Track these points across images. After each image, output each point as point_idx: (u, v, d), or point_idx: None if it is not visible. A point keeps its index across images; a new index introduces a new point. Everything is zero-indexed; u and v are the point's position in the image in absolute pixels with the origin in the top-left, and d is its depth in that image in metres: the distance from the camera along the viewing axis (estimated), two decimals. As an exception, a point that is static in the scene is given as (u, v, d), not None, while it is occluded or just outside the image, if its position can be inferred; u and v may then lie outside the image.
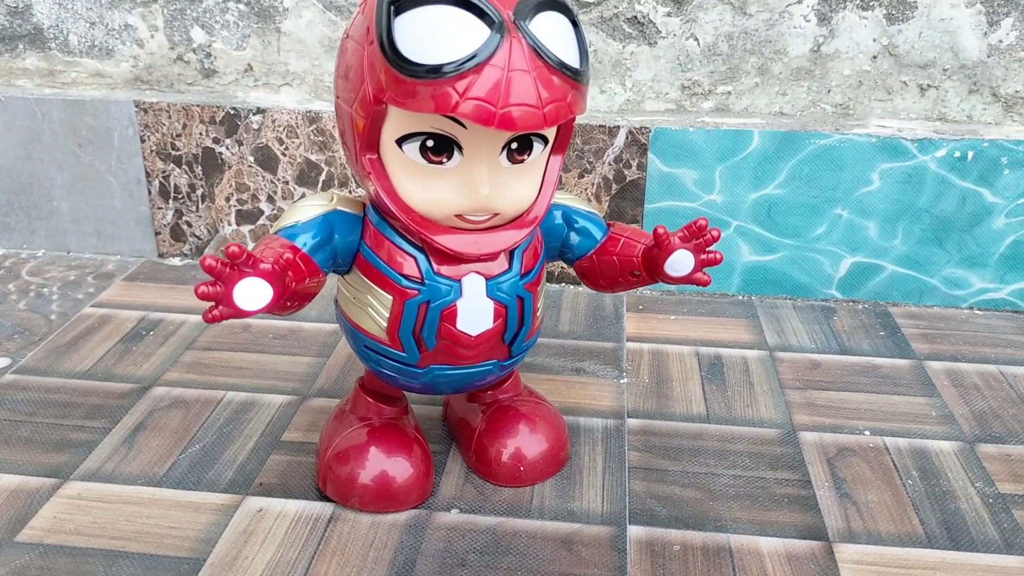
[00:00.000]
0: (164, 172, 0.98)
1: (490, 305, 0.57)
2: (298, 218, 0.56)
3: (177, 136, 0.96)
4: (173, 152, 0.97)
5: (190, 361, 0.82)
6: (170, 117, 0.95)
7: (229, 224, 0.99)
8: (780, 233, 0.92)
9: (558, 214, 0.63)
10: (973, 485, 0.66)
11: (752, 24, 0.90)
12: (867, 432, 0.73)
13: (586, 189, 0.92)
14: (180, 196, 0.99)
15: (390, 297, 0.57)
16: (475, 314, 0.57)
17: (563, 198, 0.63)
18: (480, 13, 0.47)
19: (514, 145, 0.52)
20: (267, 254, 0.50)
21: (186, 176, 0.98)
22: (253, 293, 0.48)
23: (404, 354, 0.59)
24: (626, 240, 0.61)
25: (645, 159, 0.90)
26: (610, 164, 0.91)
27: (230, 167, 0.97)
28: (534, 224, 0.56)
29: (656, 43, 0.92)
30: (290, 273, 0.51)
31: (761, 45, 0.91)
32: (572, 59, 0.50)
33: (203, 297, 0.46)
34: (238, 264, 0.47)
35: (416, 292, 0.56)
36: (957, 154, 0.87)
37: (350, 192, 0.95)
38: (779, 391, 0.78)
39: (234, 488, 0.65)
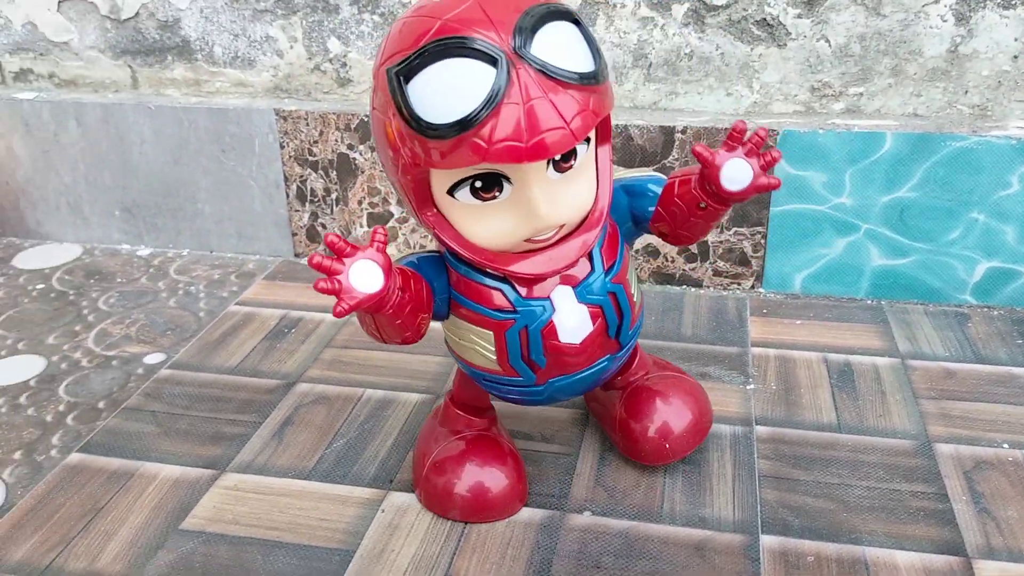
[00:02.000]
0: (301, 176, 1.03)
1: (584, 310, 0.59)
2: None
3: (314, 142, 1.01)
4: (310, 158, 1.02)
5: (329, 359, 0.86)
6: (308, 124, 1.00)
7: (361, 226, 1.03)
8: (912, 237, 0.90)
9: (618, 189, 0.62)
10: (1123, 504, 0.64)
11: (886, 24, 0.88)
12: (1006, 445, 0.71)
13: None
14: (316, 199, 1.03)
15: (490, 332, 0.59)
16: (573, 323, 0.59)
17: (620, 177, 0.63)
18: (481, 56, 0.47)
19: (557, 156, 0.52)
20: None
21: (322, 180, 1.02)
22: (365, 275, 0.49)
23: (521, 379, 0.60)
24: (679, 180, 0.59)
25: (772, 162, 0.89)
26: (736, 168, 0.91)
27: (363, 172, 1.01)
28: (600, 221, 0.57)
29: (785, 45, 0.91)
30: (397, 274, 0.52)
31: (895, 46, 0.89)
32: (583, 64, 0.50)
33: (323, 292, 0.48)
34: (342, 254, 0.49)
35: (512, 321, 0.58)
36: (1105, 156, 0.83)
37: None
38: (912, 401, 0.77)
39: (377, 483, 0.69)
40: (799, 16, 0.89)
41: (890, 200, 0.89)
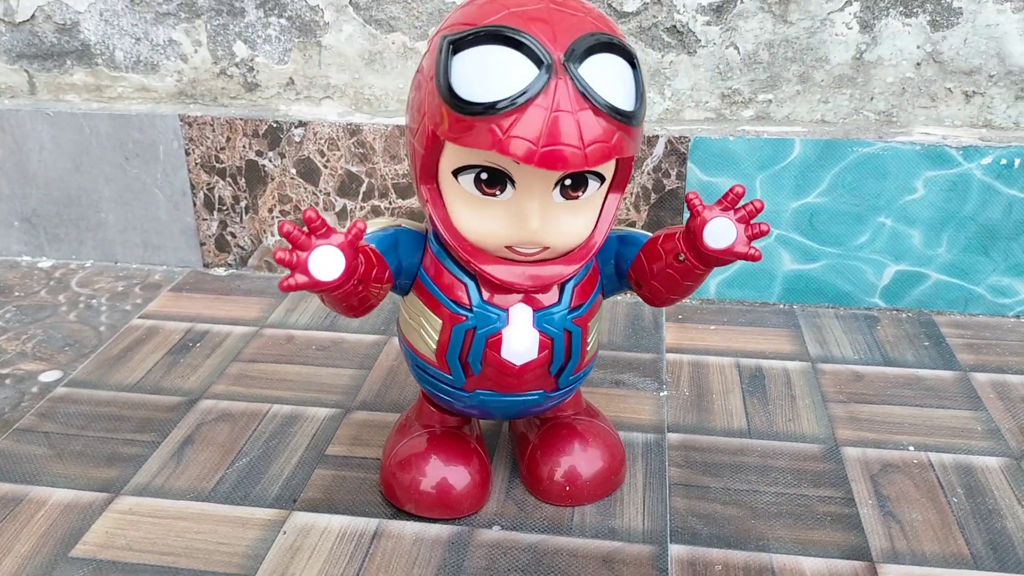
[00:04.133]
0: (209, 184, 1.00)
1: (535, 336, 0.58)
2: (367, 232, 0.58)
3: (221, 149, 0.98)
4: (217, 165, 0.98)
5: (236, 373, 0.83)
6: (214, 131, 0.97)
7: (272, 235, 1.00)
8: (822, 241, 0.91)
9: (613, 238, 0.62)
10: (1020, 503, 0.65)
11: (793, 32, 0.89)
12: (911, 447, 0.72)
13: (625, 199, 0.92)
14: (224, 208, 1.00)
15: (440, 321, 0.58)
16: (520, 343, 0.58)
17: (618, 229, 0.63)
18: (531, 54, 0.48)
19: (568, 182, 0.53)
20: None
21: (230, 188, 0.99)
22: (327, 262, 0.49)
23: (451, 377, 0.60)
24: (666, 233, 0.59)
25: (685, 168, 0.90)
26: (649, 174, 0.91)
27: (273, 179, 0.98)
28: (584, 260, 0.57)
29: (696, 52, 0.91)
30: (362, 257, 0.52)
31: (802, 53, 0.90)
32: (623, 101, 0.50)
33: (280, 262, 0.47)
34: (315, 232, 0.48)
35: (464, 318, 0.58)
36: (1004, 161, 0.85)
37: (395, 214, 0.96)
38: (821, 404, 0.78)
39: (280, 503, 0.66)
40: (708, 23, 0.90)
41: (800, 205, 0.90)
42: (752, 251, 0.54)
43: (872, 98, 0.91)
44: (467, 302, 0.58)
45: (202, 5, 0.96)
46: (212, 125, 0.97)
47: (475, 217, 0.54)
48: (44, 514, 0.65)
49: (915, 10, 0.87)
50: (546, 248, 0.55)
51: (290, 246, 0.48)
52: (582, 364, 0.62)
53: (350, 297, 0.53)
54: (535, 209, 0.53)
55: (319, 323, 0.92)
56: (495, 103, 0.48)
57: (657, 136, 0.89)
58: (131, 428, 0.75)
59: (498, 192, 0.53)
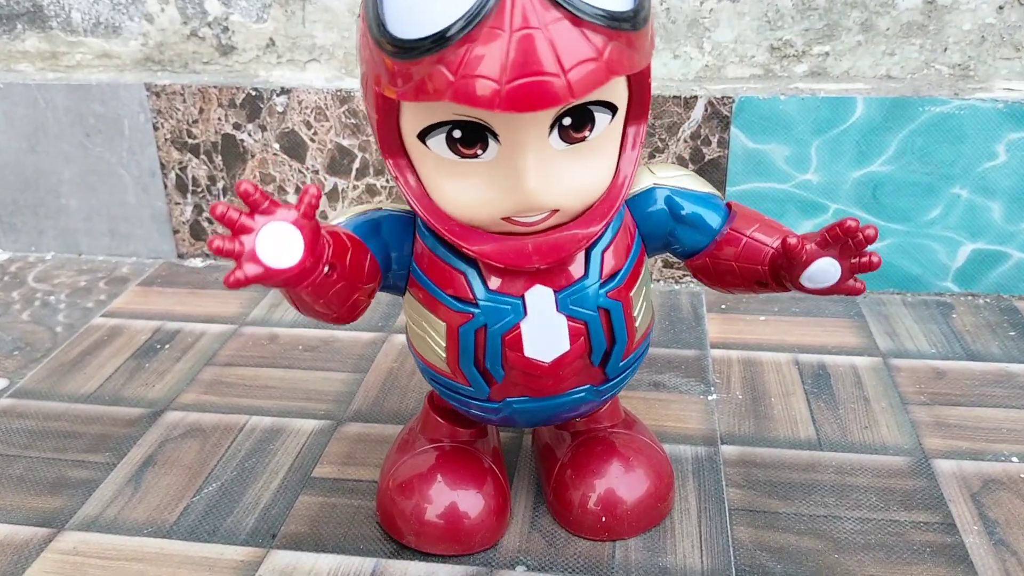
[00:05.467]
0: (180, 163, 0.88)
1: (563, 323, 0.46)
2: (339, 220, 0.47)
3: (193, 122, 0.86)
4: (190, 140, 0.87)
5: (209, 379, 0.72)
6: (185, 101, 0.85)
7: (254, 220, 0.89)
8: (888, 217, 0.80)
9: (661, 198, 0.49)
10: None
11: (853, -28, 0.77)
12: (1015, 459, 0.60)
13: (658, 171, 0.80)
14: (199, 190, 0.89)
15: (443, 324, 0.47)
16: (545, 336, 0.46)
17: (670, 176, 0.50)
18: None
19: (567, 121, 0.41)
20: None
21: (205, 167, 0.88)
22: (280, 244, 0.37)
23: (472, 388, 0.48)
24: (748, 242, 0.48)
25: (727, 134, 0.78)
26: (686, 141, 0.79)
27: (253, 156, 0.86)
28: (607, 216, 0.44)
29: (738, -1, 0.79)
30: (329, 238, 0.41)
31: (864, -3, 0.78)
32: (611, 0, 0.38)
33: (219, 253, 0.35)
34: (256, 209, 0.36)
35: (470, 316, 0.46)
36: (1103, 119, 0.73)
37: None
38: (901, 408, 0.66)
39: (256, 539, 0.55)
40: (755, -37, 0.78)
41: (862, 176, 0.79)
42: (858, 285, 0.46)
43: (946, 49, 0.79)
44: (470, 296, 0.46)
45: (169, -43, 0.85)
46: (183, 95, 0.85)
47: (457, 188, 0.43)
48: (-33, 556, 0.54)
49: (997, -56, 0.75)
50: (555, 211, 0.43)
51: (230, 232, 0.36)
52: (632, 346, 0.49)
53: (324, 291, 0.42)
54: (530, 164, 0.41)
55: (308, 319, 0.80)
56: (438, 35, 0.36)
57: (696, 97, 0.77)
58: (82, 447, 0.64)
59: (480, 152, 0.41)
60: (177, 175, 0.89)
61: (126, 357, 0.75)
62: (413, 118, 0.42)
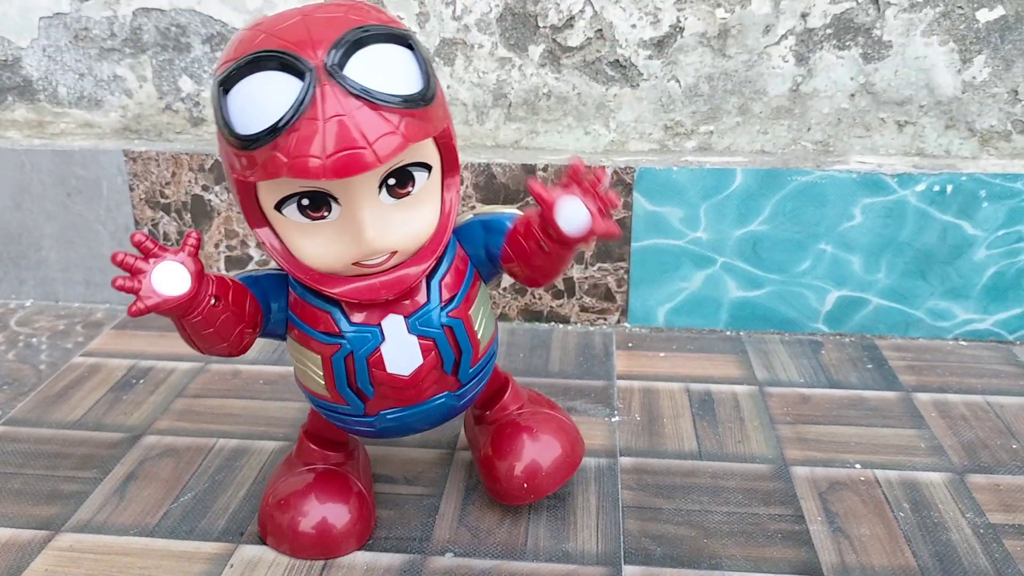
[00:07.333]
0: (153, 220, 0.98)
1: (415, 342, 0.57)
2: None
3: (166, 184, 0.97)
4: (162, 200, 0.97)
5: (180, 409, 0.82)
6: (159, 165, 0.96)
7: (218, 269, 0.99)
8: (766, 268, 0.93)
9: (477, 222, 0.61)
10: (964, 516, 0.67)
11: (732, 65, 0.92)
12: (858, 465, 0.73)
13: (573, 229, 0.93)
14: (169, 243, 0.99)
15: (318, 356, 0.57)
16: (402, 354, 0.57)
17: (488, 209, 0.62)
18: (292, 69, 0.47)
19: (391, 181, 0.52)
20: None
21: (175, 223, 0.98)
22: (171, 278, 0.48)
23: (349, 407, 0.59)
24: (523, 218, 0.58)
25: (631, 198, 0.91)
26: (596, 204, 0.92)
27: (219, 213, 0.97)
28: (435, 252, 0.56)
29: (638, 85, 0.93)
30: (213, 277, 0.52)
31: (741, 85, 0.92)
32: (402, 86, 0.49)
33: (121, 289, 0.47)
34: (149, 254, 0.48)
35: (338, 346, 0.57)
36: (936, 188, 0.88)
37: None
38: (770, 426, 0.79)
39: (227, 536, 0.65)
40: (650, 57, 0.92)
41: (743, 234, 0.92)
42: (611, 227, 0.53)
43: (809, 128, 0.94)
44: (336, 330, 0.56)
45: (147, 41, 0.96)
46: (157, 160, 0.96)
47: (312, 244, 0.53)
48: (-22, 554, 0.63)
49: (847, 43, 0.90)
50: (394, 253, 0.54)
51: (128, 274, 0.48)
52: (478, 355, 0.61)
53: (212, 320, 0.52)
54: (367, 219, 0.51)
55: (267, 357, 0.91)
56: (271, 128, 0.47)
57: (603, 167, 0.90)
58: (72, 465, 0.73)
59: (326, 213, 0.52)
60: (150, 230, 0.99)
61: (105, 391, 0.85)
62: (268, 193, 0.52)
